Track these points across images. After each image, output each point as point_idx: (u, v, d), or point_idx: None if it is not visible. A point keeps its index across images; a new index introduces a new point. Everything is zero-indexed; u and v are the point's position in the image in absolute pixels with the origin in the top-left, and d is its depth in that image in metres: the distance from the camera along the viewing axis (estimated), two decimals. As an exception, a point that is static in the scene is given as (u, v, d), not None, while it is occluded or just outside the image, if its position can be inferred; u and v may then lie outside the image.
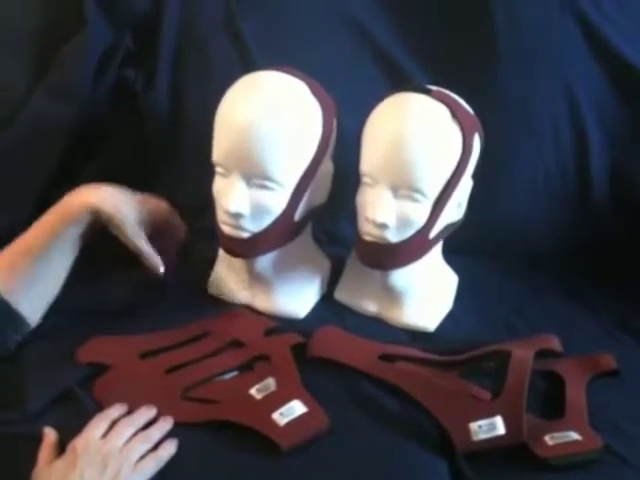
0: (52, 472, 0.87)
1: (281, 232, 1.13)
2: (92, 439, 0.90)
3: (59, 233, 1.10)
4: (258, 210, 1.09)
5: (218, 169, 1.10)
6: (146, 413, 0.97)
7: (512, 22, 1.36)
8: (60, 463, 0.88)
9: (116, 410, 0.96)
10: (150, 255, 1.14)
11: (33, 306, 1.09)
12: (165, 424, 0.95)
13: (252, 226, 1.10)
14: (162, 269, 1.15)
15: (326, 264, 1.28)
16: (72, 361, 1.06)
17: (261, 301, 1.21)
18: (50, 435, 0.93)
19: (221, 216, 1.11)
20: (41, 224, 1.11)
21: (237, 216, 1.09)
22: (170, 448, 0.92)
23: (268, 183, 1.08)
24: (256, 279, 1.20)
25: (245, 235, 1.11)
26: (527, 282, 1.35)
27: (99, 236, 1.14)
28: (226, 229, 1.12)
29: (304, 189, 1.12)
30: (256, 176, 1.07)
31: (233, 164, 1.08)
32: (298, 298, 1.22)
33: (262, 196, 1.08)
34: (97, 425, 0.93)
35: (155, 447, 0.92)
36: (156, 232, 1.17)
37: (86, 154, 1.38)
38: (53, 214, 1.11)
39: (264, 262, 1.17)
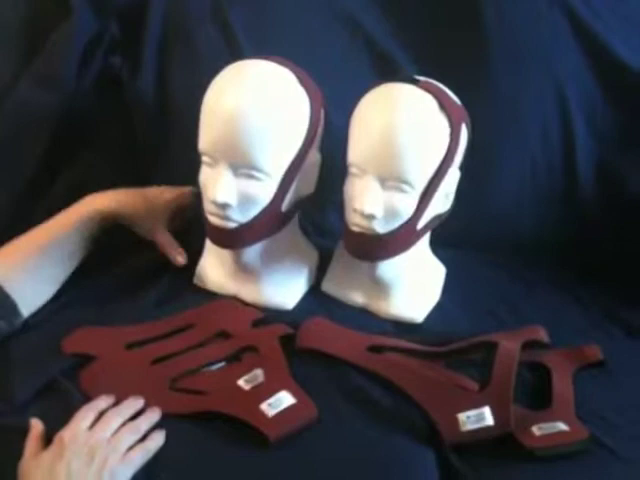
0: (39, 463, 0.87)
1: (268, 222, 1.13)
2: (79, 430, 0.90)
3: (65, 236, 1.14)
4: (245, 200, 1.08)
5: (204, 158, 1.10)
6: (133, 404, 0.96)
7: (502, 18, 1.36)
8: (47, 454, 0.87)
9: (103, 401, 0.96)
10: (172, 248, 1.22)
11: (27, 299, 1.09)
12: (153, 415, 0.95)
13: (239, 216, 1.10)
14: (182, 259, 1.22)
15: (314, 255, 1.28)
16: (59, 352, 1.05)
17: (248, 292, 1.20)
18: (37, 426, 0.92)
19: (208, 206, 1.11)
20: (52, 222, 1.15)
21: (224, 206, 1.08)
22: (158, 439, 0.92)
23: (255, 173, 1.07)
24: (243, 270, 1.20)
25: (232, 225, 1.10)
26: (515, 274, 1.35)
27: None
28: (213, 220, 1.11)
29: (291, 179, 1.12)
30: (243, 166, 1.07)
31: (220, 153, 1.07)
32: (286, 289, 1.21)
33: (249, 186, 1.08)
34: (84, 416, 0.92)
35: (143, 438, 0.92)
36: (170, 217, 1.24)
37: (72, 144, 1.36)
38: (62, 217, 1.16)
39: (251, 253, 1.17)
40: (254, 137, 1.05)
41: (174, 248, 1.22)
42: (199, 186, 1.12)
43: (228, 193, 1.07)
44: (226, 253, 1.18)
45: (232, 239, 1.13)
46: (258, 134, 1.05)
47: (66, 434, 0.89)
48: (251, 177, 1.07)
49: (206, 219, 1.12)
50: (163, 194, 1.25)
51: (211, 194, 1.08)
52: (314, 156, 1.15)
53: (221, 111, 1.06)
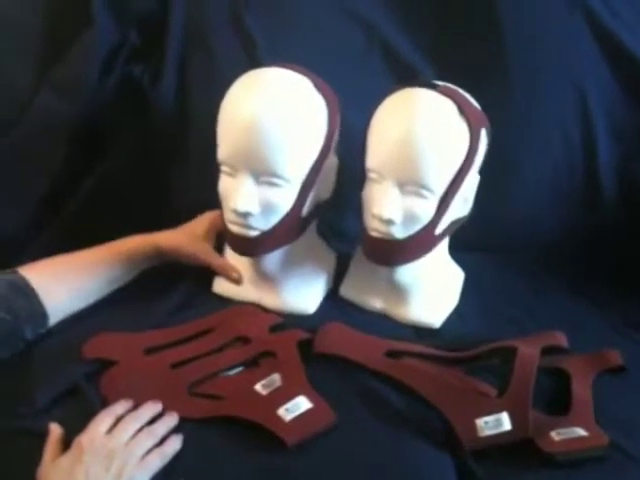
0: (57, 468, 0.87)
1: (289, 229, 1.13)
2: (97, 435, 0.90)
3: (118, 259, 1.18)
4: (267, 208, 1.09)
5: (224, 168, 1.10)
6: (151, 408, 0.97)
7: (521, 21, 1.36)
8: (65, 459, 0.88)
9: (121, 406, 0.96)
10: (227, 269, 1.22)
11: (58, 312, 1.11)
12: (170, 420, 0.95)
13: (261, 224, 1.10)
14: (238, 277, 1.22)
15: (332, 258, 1.28)
16: (78, 357, 1.06)
17: (269, 299, 1.21)
18: (56, 431, 0.93)
19: (229, 216, 1.11)
20: (106, 246, 1.18)
21: (246, 215, 1.08)
22: (175, 444, 0.92)
23: (276, 180, 1.08)
24: (263, 277, 1.20)
25: (254, 234, 1.11)
26: (533, 279, 1.34)
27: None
28: (234, 228, 1.11)
29: (311, 185, 1.12)
30: (264, 173, 1.07)
31: (241, 163, 1.07)
32: (306, 294, 1.22)
33: (270, 193, 1.08)
34: (102, 420, 0.93)
35: (160, 443, 0.92)
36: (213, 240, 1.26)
37: (93, 152, 1.38)
38: (121, 242, 1.20)
39: (271, 259, 1.17)
40: (274, 145, 1.06)
41: (228, 268, 1.22)
42: (218, 195, 1.13)
43: (250, 202, 1.07)
44: (246, 261, 1.19)
45: (254, 247, 1.13)
46: (278, 141, 1.06)
47: (84, 439, 0.90)
48: (272, 184, 1.08)
49: (226, 228, 1.13)
50: (202, 224, 1.26)
51: (233, 203, 1.08)
52: (332, 160, 1.16)
53: (240, 120, 1.06)
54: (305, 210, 1.14)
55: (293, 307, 1.20)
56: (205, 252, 1.23)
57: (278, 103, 1.06)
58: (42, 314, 1.07)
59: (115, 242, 1.20)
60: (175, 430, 0.95)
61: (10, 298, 1.04)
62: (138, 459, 0.89)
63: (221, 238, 1.25)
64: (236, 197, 1.07)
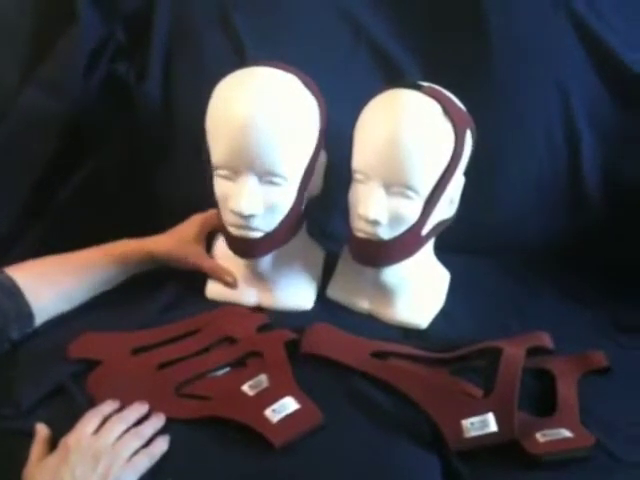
0: (44, 468, 0.87)
1: (289, 227, 1.14)
2: (84, 435, 0.90)
3: (108, 262, 1.18)
4: (270, 208, 1.09)
5: (221, 172, 1.09)
6: (138, 409, 0.96)
7: (506, 22, 1.36)
8: (52, 459, 0.88)
9: (108, 406, 0.96)
10: (219, 272, 1.21)
11: (44, 312, 1.10)
12: (157, 420, 0.95)
13: (264, 225, 1.10)
14: (232, 280, 1.21)
15: (321, 255, 1.29)
16: (64, 357, 1.06)
17: (266, 298, 1.21)
18: (42, 431, 0.92)
19: (230, 219, 1.10)
20: (96, 248, 1.18)
21: (250, 217, 1.08)
22: (162, 444, 0.92)
23: (277, 179, 1.08)
24: (258, 277, 1.20)
25: (257, 235, 1.11)
26: (519, 279, 1.35)
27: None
28: (236, 231, 1.11)
29: (307, 181, 1.13)
30: (266, 173, 1.07)
31: (241, 164, 1.07)
32: (302, 290, 1.23)
33: (272, 193, 1.09)
34: (89, 421, 0.93)
35: (147, 443, 0.92)
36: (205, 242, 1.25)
37: (79, 150, 1.37)
38: (112, 245, 1.19)
39: (266, 259, 1.17)
40: (275, 143, 1.06)
41: (221, 271, 1.21)
42: (216, 199, 1.12)
43: (254, 203, 1.07)
44: (240, 262, 1.19)
45: (257, 248, 1.13)
46: (278, 140, 1.06)
47: (71, 439, 0.89)
48: (273, 184, 1.08)
49: (227, 231, 1.12)
50: (191, 227, 1.24)
51: (236, 206, 1.07)
52: (323, 156, 1.17)
53: (236, 122, 1.05)
54: (302, 208, 1.14)
55: (291, 305, 1.21)
56: (197, 255, 1.22)
57: (273, 101, 1.07)
58: (28, 314, 1.07)
59: (106, 245, 1.19)
60: (162, 431, 0.95)
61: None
62: (125, 460, 0.89)
63: (210, 241, 1.25)
64: (239, 200, 1.07)
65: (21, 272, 1.08)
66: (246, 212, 1.07)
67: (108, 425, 0.93)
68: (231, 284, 1.21)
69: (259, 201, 1.08)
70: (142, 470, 0.89)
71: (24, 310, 1.06)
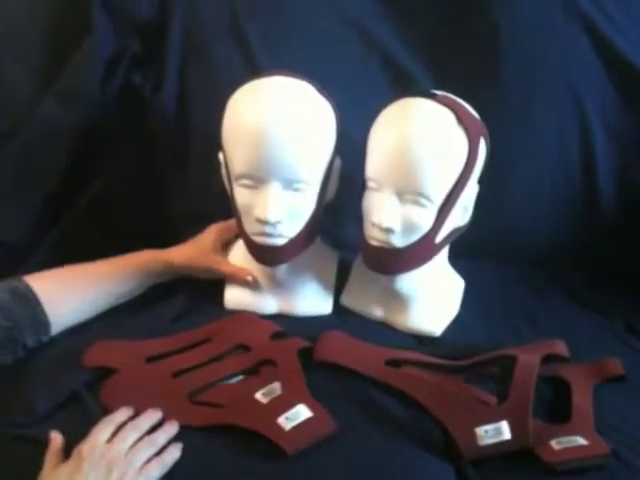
0: (57, 476, 0.87)
1: (310, 232, 1.15)
2: (97, 444, 0.91)
3: (128, 276, 1.18)
4: (293, 214, 1.11)
5: (243, 181, 1.10)
6: (151, 416, 0.97)
7: (517, 28, 1.36)
8: (65, 467, 0.88)
9: (122, 414, 0.96)
10: (238, 274, 1.21)
11: (61, 323, 1.11)
12: (170, 428, 0.96)
13: (287, 231, 1.11)
14: (251, 278, 1.21)
15: (335, 258, 1.29)
16: (79, 365, 1.06)
17: (286, 305, 1.22)
18: (56, 439, 0.93)
19: (254, 227, 1.11)
20: (117, 260, 1.19)
21: (275, 224, 1.09)
22: (175, 452, 0.93)
23: (299, 185, 1.09)
24: (278, 285, 1.21)
25: (282, 242, 1.12)
26: (534, 286, 1.35)
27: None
28: (261, 239, 1.12)
29: (326, 186, 1.15)
30: (288, 180, 1.09)
31: (264, 173, 1.08)
32: (320, 296, 1.23)
33: (295, 199, 1.10)
34: (102, 429, 0.93)
35: (160, 451, 0.92)
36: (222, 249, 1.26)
37: (94, 160, 1.38)
38: (132, 256, 1.20)
39: (285, 266, 1.18)
40: (296, 150, 1.08)
41: (243, 273, 1.21)
42: (237, 210, 1.13)
43: (279, 210, 1.08)
44: (260, 272, 1.19)
45: (281, 255, 1.14)
46: (299, 146, 1.08)
47: (84, 447, 0.90)
48: (295, 190, 1.10)
49: (250, 240, 1.13)
50: (209, 236, 1.25)
51: (262, 214, 1.08)
52: (338, 161, 1.18)
53: (257, 131, 1.07)
54: (321, 213, 1.16)
55: (310, 311, 1.22)
56: (217, 262, 1.23)
57: (292, 108, 1.08)
58: (44, 322, 1.08)
59: (128, 256, 1.20)
60: (175, 439, 0.95)
61: (11, 304, 1.05)
62: (137, 468, 0.89)
63: (226, 250, 1.25)
64: (265, 207, 1.08)
65: (40, 281, 1.09)
66: (272, 219, 1.08)
67: (121, 434, 0.93)
68: (252, 283, 1.21)
69: (284, 208, 1.09)
70: (154, 478, 0.89)
71: (40, 318, 1.07)
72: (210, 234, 1.25)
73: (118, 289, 1.18)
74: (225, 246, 1.26)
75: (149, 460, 0.91)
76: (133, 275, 1.19)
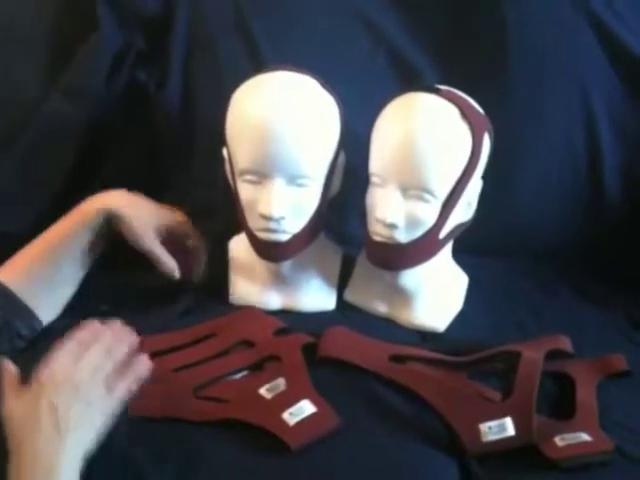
0: (19, 405, 0.81)
1: (315, 227, 1.15)
2: (59, 367, 0.83)
3: (73, 236, 1.13)
4: (297, 210, 1.11)
5: (247, 177, 1.10)
6: (120, 336, 0.89)
7: (523, 21, 1.35)
8: (27, 395, 0.81)
9: (86, 331, 0.87)
10: (164, 258, 1.16)
11: (47, 305, 1.11)
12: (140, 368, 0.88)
13: (291, 227, 1.12)
14: (177, 273, 1.17)
15: (338, 253, 1.29)
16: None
17: (290, 301, 1.22)
18: (9, 367, 0.85)
19: (258, 223, 1.12)
20: (56, 228, 1.14)
21: (279, 220, 1.09)
22: (143, 366, 0.87)
23: (303, 181, 1.10)
24: (282, 281, 1.21)
25: (285, 238, 1.12)
26: (538, 282, 1.34)
27: (117, 242, 1.16)
28: (265, 235, 1.12)
29: (330, 181, 1.15)
30: (292, 176, 1.09)
31: (268, 168, 1.08)
32: (324, 290, 1.24)
33: (299, 195, 1.10)
34: (64, 351, 0.84)
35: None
36: (172, 240, 1.20)
37: (99, 156, 1.38)
38: (68, 218, 1.14)
39: (289, 262, 1.18)
40: (300, 146, 1.08)
41: (168, 263, 1.16)
42: (240, 205, 1.13)
43: (283, 206, 1.09)
44: (264, 268, 1.19)
45: (285, 251, 1.14)
46: (303, 142, 1.08)
47: (44, 373, 0.82)
48: (299, 185, 1.10)
49: (254, 236, 1.13)
50: (159, 208, 1.20)
51: (265, 210, 1.09)
52: (342, 156, 1.18)
53: (261, 126, 1.07)
54: (325, 208, 1.16)
55: (314, 306, 1.22)
56: (152, 240, 1.16)
57: (296, 104, 1.09)
58: (28, 312, 1.08)
59: (65, 217, 1.15)
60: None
61: None
62: (105, 387, 0.83)
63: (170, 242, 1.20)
64: (269, 203, 1.08)
65: (6, 274, 1.09)
66: (276, 215, 1.08)
67: (86, 354, 0.84)
68: (171, 277, 1.17)
69: (288, 203, 1.09)
70: (125, 396, 0.85)
71: (23, 310, 1.07)
72: (161, 208, 1.19)
73: (74, 251, 1.13)
74: (168, 230, 1.20)
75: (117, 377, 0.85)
76: (82, 232, 1.13)
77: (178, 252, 1.20)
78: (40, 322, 1.10)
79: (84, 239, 1.14)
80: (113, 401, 0.84)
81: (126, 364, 0.87)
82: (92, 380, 0.83)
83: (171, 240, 1.20)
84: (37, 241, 1.14)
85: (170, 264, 1.17)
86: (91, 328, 0.88)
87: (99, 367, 0.84)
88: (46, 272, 1.12)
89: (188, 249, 1.24)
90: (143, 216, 1.16)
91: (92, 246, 1.15)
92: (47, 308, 1.11)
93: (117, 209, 1.14)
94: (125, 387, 0.85)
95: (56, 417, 0.79)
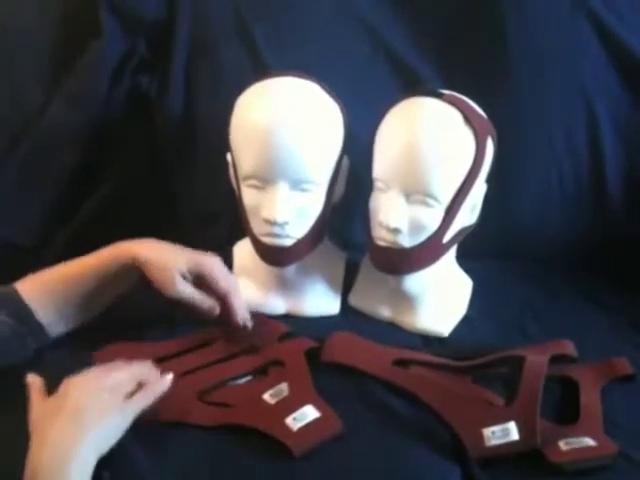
0: (45, 406, 0.90)
1: (319, 232, 1.15)
2: (86, 379, 0.94)
3: (97, 271, 1.10)
4: (301, 215, 1.11)
5: (251, 182, 1.11)
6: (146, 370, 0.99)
7: (524, 23, 1.35)
8: (54, 398, 0.91)
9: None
10: (196, 297, 1.09)
11: (57, 324, 1.11)
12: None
13: (295, 232, 1.12)
14: (217, 309, 1.10)
15: (342, 257, 1.29)
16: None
17: (295, 306, 1.22)
18: (35, 380, 0.96)
19: (262, 228, 1.12)
20: (85, 260, 1.12)
21: (283, 225, 1.10)
22: (164, 383, 0.97)
23: (307, 185, 1.10)
24: (286, 286, 1.21)
25: (289, 242, 1.12)
26: (542, 286, 1.34)
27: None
28: (268, 240, 1.12)
29: (334, 186, 1.15)
30: (296, 180, 1.09)
31: (272, 173, 1.09)
32: (328, 295, 1.24)
33: (302, 199, 1.11)
34: (91, 371, 0.95)
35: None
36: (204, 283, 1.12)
37: (101, 162, 1.39)
38: (96, 255, 1.12)
39: (293, 267, 1.18)
40: (304, 151, 1.08)
41: (205, 306, 1.10)
42: (244, 210, 1.13)
43: (287, 211, 1.09)
44: (268, 273, 1.19)
45: (289, 256, 1.14)
46: (307, 147, 1.08)
47: (71, 380, 0.93)
48: (303, 190, 1.10)
49: (258, 241, 1.13)
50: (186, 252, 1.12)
51: (269, 214, 1.09)
52: (345, 161, 1.18)
53: (265, 132, 1.07)
54: (329, 213, 1.16)
55: (319, 311, 1.22)
56: (185, 285, 1.09)
57: (300, 109, 1.09)
58: (36, 323, 1.07)
59: (94, 254, 1.12)
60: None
61: (7, 305, 1.05)
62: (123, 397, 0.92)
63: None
64: (273, 208, 1.09)
65: (25, 286, 1.08)
66: (280, 220, 1.08)
67: (112, 372, 0.95)
68: (213, 316, 1.11)
69: (291, 208, 1.10)
70: (140, 407, 0.93)
71: (31, 319, 1.07)
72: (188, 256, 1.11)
73: (97, 283, 1.10)
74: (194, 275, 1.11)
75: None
76: (110, 271, 1.10)
77: (212, 293, 1.12)
78: (48, 337, 1.09)
79: (107, 276, 1.11)
80: (129, 414, 0.91)
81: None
82: (114, 392, 0.91)
83: (203, 283, 1.12)
84: (62, 266, 1.12)
85: (206, 303, 1.10)
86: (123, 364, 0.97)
87: (123, 384, 0.93)
88: (61, 294, 1.11)
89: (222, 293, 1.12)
90: (169, 262, 1.09)
91: (113, 287, 1.13)
92: (56, 326, 1.10)
93: (143, 257, 1.09)
94: (142, 402, 0.93)
95: (81, 418, 0.87)
